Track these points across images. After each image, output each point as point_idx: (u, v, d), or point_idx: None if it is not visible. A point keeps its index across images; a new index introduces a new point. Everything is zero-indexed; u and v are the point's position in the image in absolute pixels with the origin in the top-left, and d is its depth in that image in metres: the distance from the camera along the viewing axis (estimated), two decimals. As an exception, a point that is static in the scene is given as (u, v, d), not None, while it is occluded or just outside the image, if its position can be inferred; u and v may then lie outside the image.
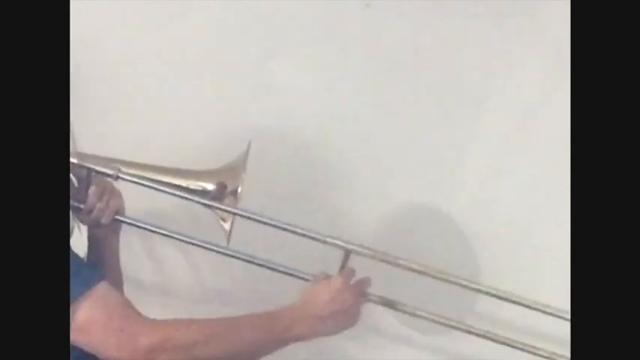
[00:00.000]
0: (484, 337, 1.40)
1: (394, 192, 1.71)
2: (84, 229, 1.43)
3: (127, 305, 1.18)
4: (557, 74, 1.49)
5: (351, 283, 1.29)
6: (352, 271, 1.31)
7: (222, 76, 1.65)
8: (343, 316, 1.26)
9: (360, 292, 1.29)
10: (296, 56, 1.64)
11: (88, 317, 1.12)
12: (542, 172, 1.65)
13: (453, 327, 1.39)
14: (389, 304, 1.36)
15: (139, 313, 1.18)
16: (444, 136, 1.67)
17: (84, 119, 1.48)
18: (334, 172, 1.72)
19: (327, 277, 1.30)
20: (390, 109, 1.66)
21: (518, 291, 1.43)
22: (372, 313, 1.63)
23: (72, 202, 1.33)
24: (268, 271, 1.71)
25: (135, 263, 1.44)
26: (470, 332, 1.39)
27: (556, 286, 1.35)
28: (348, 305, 1.26)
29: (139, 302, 1.41)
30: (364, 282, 1.31)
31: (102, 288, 1.16)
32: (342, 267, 1.31)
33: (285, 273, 1.38)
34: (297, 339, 1.24)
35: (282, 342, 1.23)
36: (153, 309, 1.23)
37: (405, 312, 1.37)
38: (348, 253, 1.31)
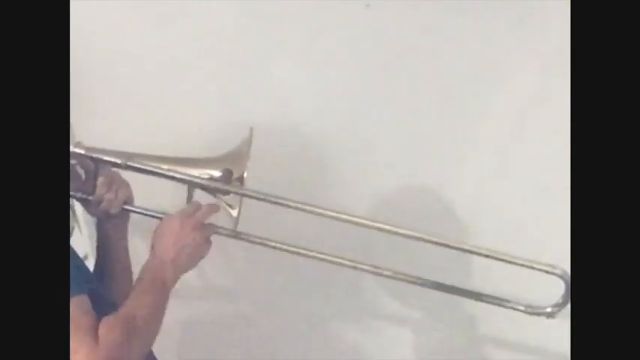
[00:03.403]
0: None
1: (394, 192, 1.71)
2: (86, 227, 1.43)
3: (84, 324, 1.14)
4: (557, 74, 1.49)
5: (196, 215, 1.32)
6: (196, 205, 1.34)
7: (221, 76, 1.66)
8: (191, 249, 1.30)
9: (198, 223, 1.32)
10: (296, 56, 1.64)
11: None
12: (542, 172, 1.65)
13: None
14: (236, 235, 1.39)
15: (91, 334, 1.14)
16: (444, 135, 1.67)
17: (84, 119, 1.48)
18: (334, 172, 1.72)
19: (169, 217, 1.33)
20: (390, 108, 1.66)
21: (517, 291, 1.44)
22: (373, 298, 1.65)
23: (80, 195, 1.34)
24: (270, 267, 1.72)
25: (137, 262, 1.45)
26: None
27: (555, 286, 1.35)
28: (191, 239, 1.30)
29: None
30: (206, 212, 1.34)
31: (73, 302, 1.13)
32: (188, 200, 1.36)
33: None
34: (174, 281, 1.28)
35: (165, 292, 1.27)
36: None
37: (253, 242, 1.41)
38: (192, 187, 1.35)
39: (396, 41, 1.62)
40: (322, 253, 1.40)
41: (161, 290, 1.26)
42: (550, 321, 1.40)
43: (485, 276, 1.59)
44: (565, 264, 1.21)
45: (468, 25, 1.59)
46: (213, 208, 1.35)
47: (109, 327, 1.14)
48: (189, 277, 1.64)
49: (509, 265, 1.36)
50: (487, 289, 1.46)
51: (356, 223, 1.37)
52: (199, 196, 1.38)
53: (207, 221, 1.35)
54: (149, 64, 1.64)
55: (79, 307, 1.12)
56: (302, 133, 1.68)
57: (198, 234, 1.31)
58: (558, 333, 1.44)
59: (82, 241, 1.48)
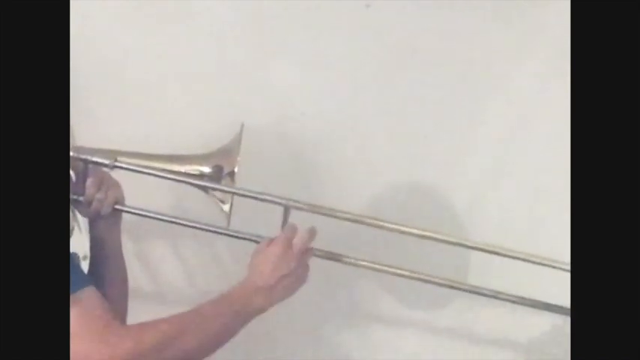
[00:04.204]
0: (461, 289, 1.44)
1: (392, 190, 1.71)
2: (84, 228, 1.43)
3: (106, 313, 1.15)
4: (557, 74, 1.49)
5: (294, 240, 1.29)
6: (293, 228, 1.30)
7: (221, 76, 1.65)
8: (291, 279, 1.27)
9: (301, 251, 1.28)
10: (296, 56, 1.64)
11: None
12: (542, 172, 1.65)
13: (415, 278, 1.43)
14: (333, 257, 1.37)
15: (115, 320, 1.16)
16: (443, 135, 1.67)
17: (84, 119, 1.48)
18: (334, 172, 1.72)
19: (269, 242, 1.29)
20: (390, 109, 1.66)
21: (516, 290, 1.44)
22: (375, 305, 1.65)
23: (72, 196, 1.33)
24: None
25: (130, 263, 1.45)
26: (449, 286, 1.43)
27: (556, 285, 1.35)
28: (293, 267, 1.26)
29: (131, 305, 1.41)
30: (307, 237, 1.29)
31: (84, 294, 1.14)
32: (283, 224, 1.32)
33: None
34: (259, 312, 1.25)
35: (244, 320, 1.24)
36: (146, 311, 1.23)
37: (349, 264, 1.39)
38: (287, 210, 1.31)
39: (396, 41, 1.62)
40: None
41: (238, 321, 1.23)
42: (552, 319, 1.40)
43: (483, 272, 1.60)
44: (565, 264, 1.21)
45: (467, 25, 1.59)
46: (313, 233, 1.31)
47: (153, 327, 1.14)
48: (177, 282, 1.65)
49: (506, 262, 1.35)
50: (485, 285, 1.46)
51: (354, 221, 1.36)
52: (192, 192, 1.37)
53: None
54: (149, 65, 1.64)
55: (93, 296, 1.13)
56: (300, 133, 1.68)
57: (300, 263, 1.27)
58: (560, 331, 1.44)
59: (82, 241, 1.48)
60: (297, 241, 1.29)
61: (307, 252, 1.30)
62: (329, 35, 1.62)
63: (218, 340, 1.22)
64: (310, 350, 1.83)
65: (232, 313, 1.23)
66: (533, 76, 1.60)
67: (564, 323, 1.47)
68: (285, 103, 1.67)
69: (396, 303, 1.77)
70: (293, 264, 1.26)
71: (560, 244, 1.28)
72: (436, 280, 1.42)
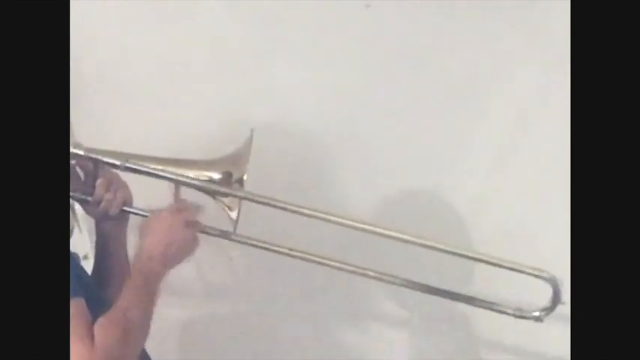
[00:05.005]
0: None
1: (392, 194, 1.71)
2: (85, 227, 1.43)
3: (81, 330, 1.15)
4: (557, 75, 1.49)
5: (185, 212, 1.34)
6: (183, 202, 1.36)
7: (222, 76, 1.66)
8: (180, 244, 1.31)
9: (186, 220, 1.33)
10: (296, 56, 1.64)
11: None
12: (542, 174, 1.65)
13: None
14: (224, 235, 1.40)
15: (89, 339, 1.16)
16: (444, 135, 1.67)
17: (84, 119, 1.48)
18: (332, 174, 1.72)
19: (156, 214, 1.34)
20: (390, 108, 1.66)
21: (515, 288, 1.44)
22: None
23: (80, 195, 1.34)
24: (269, 266, 1.73)
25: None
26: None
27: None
28: (180, 236, 1.31)
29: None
30: (192, 210, 1.36)
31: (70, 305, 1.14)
32: (175, 198, 1.36)
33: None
34: (160, 278, 1.29)
35: (154, 288, 1.27)
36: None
37: (243, 243, 1.42)
38: (177, 185, 1.36)
39: (396, 41, 1.62)
40: (314, 255, 1.40)
41: (150, 287, 1.26)
42: (548, 323, 1.40)
43: (482, 279, 1.60)
44: (565, 266, 1.21)
45: (468, 25, 1.59)
46: (199, 208, 1.36)
47: (103, 328, 1.15)
48: (189, 278, 1.65)
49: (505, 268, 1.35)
50: (483, 292, 1.46)
51: (352, 227, 1.36)
52: (198, 198, 1.38)
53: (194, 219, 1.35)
54: (149, 65, 1.65)
55: (74, 310, 1.12)
56: (301, 134, 1.68)
57: (188, 231, 1.32)
58: (557, 335, 1.44)
59: (82, 241, 1.48)
60: (186, 212, 1.34)
61: (193, 224, 1.34)
62: (329, 35, 1.62)
63: (148, 314, 1.25)
64: (310, 350, 1.83)
65: (143, 287, 1.25)
66: (534, 77, 1.60)
67: (564, 326, 1.46)
68: (284, 103, 1.67)
69: (396, 304, 1.77)
70: (180, 233, 1.31)
71: (560, 244, 1.28)
72: (418, 285, 1.44)
